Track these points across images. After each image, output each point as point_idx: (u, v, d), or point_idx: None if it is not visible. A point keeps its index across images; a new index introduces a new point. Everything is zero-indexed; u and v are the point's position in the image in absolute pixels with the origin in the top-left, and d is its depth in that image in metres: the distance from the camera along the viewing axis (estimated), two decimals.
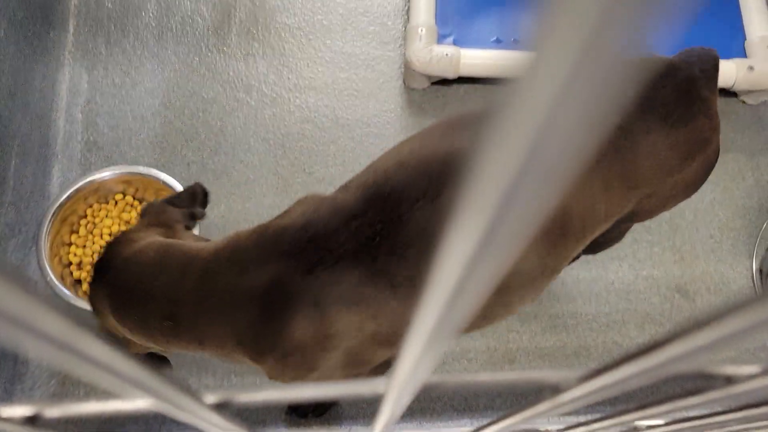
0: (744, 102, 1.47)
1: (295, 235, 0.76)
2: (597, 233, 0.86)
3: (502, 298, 0.83)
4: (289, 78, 1.48)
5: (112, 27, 1.49)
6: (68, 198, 1.24)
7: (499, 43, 1.46)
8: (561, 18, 0.09)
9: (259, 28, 1.52)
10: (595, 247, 1.18)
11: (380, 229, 0.75)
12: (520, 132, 0.11)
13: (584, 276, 1.35)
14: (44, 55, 1.38)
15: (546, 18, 0.09)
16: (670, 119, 0.82)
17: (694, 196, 1.40)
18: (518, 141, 0.11)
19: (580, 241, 0.83)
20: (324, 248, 0.75)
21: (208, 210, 0.99)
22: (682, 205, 1.40)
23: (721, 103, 1.48)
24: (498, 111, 0.11)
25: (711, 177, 1.42)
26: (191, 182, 1.37)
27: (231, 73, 1.48)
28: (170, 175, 1.29)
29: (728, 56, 1.37)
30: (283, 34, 1.51)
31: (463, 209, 0.13)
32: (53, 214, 1.22)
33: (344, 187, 0.82)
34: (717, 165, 1.42)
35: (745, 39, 1.39)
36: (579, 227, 0.82)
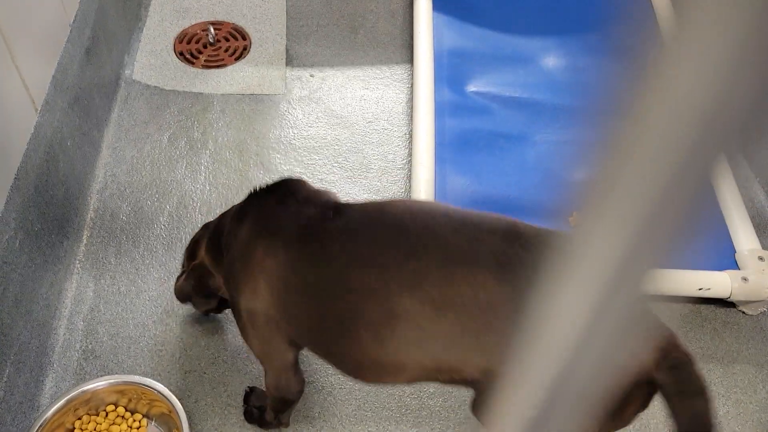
0: (744, 312, 1.48)
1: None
2: None
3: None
4: None
5: (124, 238, 1.55)
6: (57, 410, 1.20)
7: None
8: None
9: None
10: None
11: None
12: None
13: None
14: (55, 263, 1.42)
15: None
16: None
17: None
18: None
19: None
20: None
21: (199, 422, 0.97)
22: None
23: (721, 314, 1.49)
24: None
25: (720, 390, 1.38)
26: (188, 392, 1.33)
27: None
28: (166, 385, 1.26)
29: (721, 268, 1.40)
30: None
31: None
32: (39, 427, 1.17)
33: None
34: (725, 377, 1.40)
35: (734, 251, 1.44)
36: None
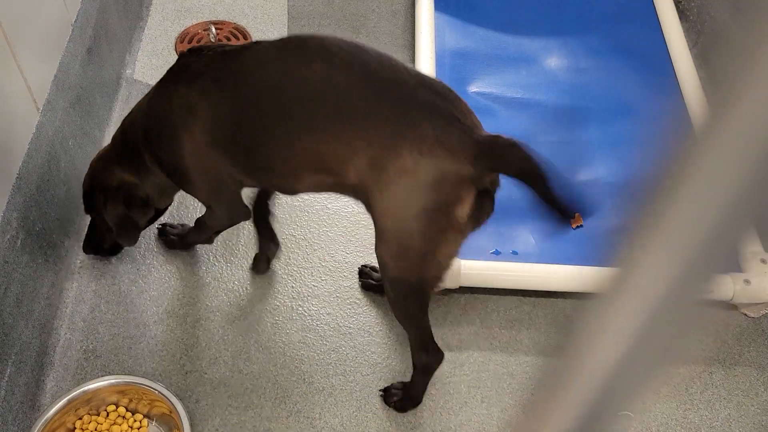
0: (746, 315, 1.47)
1: None
2: None
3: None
4: (292, 286, 1.51)
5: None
6: (58, 410, 1.20)
7: (497, 255, 1.50)
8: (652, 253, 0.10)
9: None
10: None
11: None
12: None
13: None
14: (56, 263, 1.42)
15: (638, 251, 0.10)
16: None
17: (708, 413, 1.35)
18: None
19: None
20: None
21: (200, 422, 0.98)
22: (697, 422, 1.34)
23: (723, 317, 1.49)
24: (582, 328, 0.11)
25: (722, 392, 1.38)
26: (188, 392, 1.33)
27: (236, 282, 1.50)
28: (167, 385, 1.26)
29: (724, 270, 1.40)
30: (289, 245, 1.57)
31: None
32: (40, 427, 1.17)
33: None
34: (727, 379, 1.39)
35: (738, 254, 1.44)
36: None
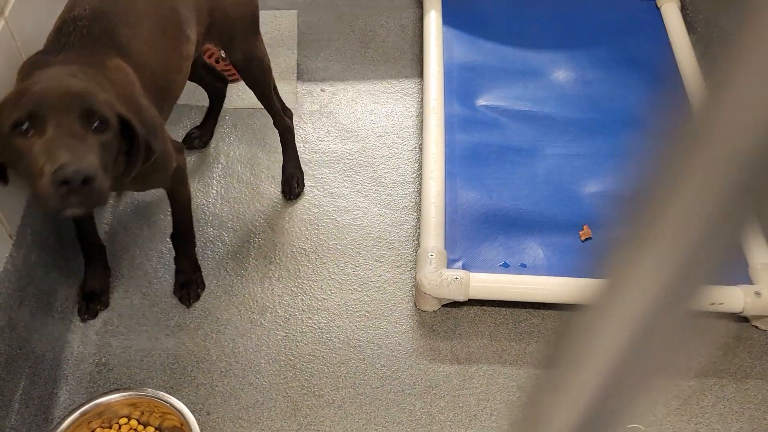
0: (757, 327, 1.47)
1: None
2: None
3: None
4: (302, 299, 1.52)
5: (137, 251, 1.56)
6: (71, 423, 1.21)
7: (506, 268, 1.51)
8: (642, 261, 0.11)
9: (277, 252, 1.59)
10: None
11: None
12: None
13: None
14: (70, 277, 1.43)
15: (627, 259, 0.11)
16: None
17: (720, 426, 1.34)
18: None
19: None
20: None
21: None
22: None
23: (734, 329, 1.48)
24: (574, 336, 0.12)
25: (734, 406, 1.38)
26: (199, 405, 1.34)
27: (247, 295, 1.51)
28: (178, 398, 1.27)
29: (734, 283, 1.40)
30: (299, 258, 1.58)
31: None
32: None
33: None
34: (739, 392, 1.39)
35: (747, 266, 1.43)
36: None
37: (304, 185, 1.69)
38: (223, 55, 1.99)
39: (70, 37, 1.09)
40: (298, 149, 1.74)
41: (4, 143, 0.95)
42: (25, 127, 0.92)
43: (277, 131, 1.67)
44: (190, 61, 1.29)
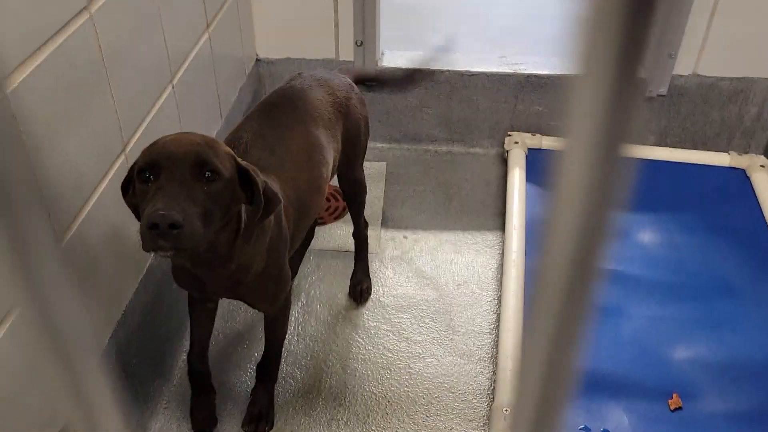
0: None
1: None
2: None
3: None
4: None
5: (213, 381, 1.58)
6: None
7: None
8: None
9: (347, 395, 1.56)
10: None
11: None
12: None
13: None
14: (144, 401, 1.45)
15: None
16: None
17: None
18: None
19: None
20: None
21: None
22: None
23: None
24: None
25: None
26: None
27: None
28: None
29: None
30: (369, 403, 1.54)
31: None
32: None
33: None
34: None
35: None
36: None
37: (371, 291, 1.79)
38: None
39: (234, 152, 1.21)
40: (377, 293, 1.76)
41: (133, 187, 1.06)
42: (146, 174, 1.01)
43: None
44: (328, 183, 1.43)
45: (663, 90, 2.15)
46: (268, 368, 1.48)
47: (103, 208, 1.24)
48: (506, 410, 1.39)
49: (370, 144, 1.71)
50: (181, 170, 1.00)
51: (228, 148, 1.09)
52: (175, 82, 1.54)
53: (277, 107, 1.39)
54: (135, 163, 1.05)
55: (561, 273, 0.29)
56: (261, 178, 1.11)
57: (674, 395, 1.47)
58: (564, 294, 0.30)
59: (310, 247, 1.90)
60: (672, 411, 1.45)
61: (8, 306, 0.95)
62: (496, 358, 1.58)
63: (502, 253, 1.87)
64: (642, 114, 0.25)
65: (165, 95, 1.49)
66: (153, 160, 1.01)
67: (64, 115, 1.10)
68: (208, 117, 1.78)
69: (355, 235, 1.79)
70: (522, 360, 0.32)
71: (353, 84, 1.58)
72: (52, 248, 0.30)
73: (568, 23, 0.23)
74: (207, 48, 1.73)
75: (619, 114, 0.24)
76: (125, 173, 1.11)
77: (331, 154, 1.43)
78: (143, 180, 1.02)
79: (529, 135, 2.22)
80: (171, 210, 0.95)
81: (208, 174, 1.02)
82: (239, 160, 1.09)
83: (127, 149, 1.32)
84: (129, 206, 1.11)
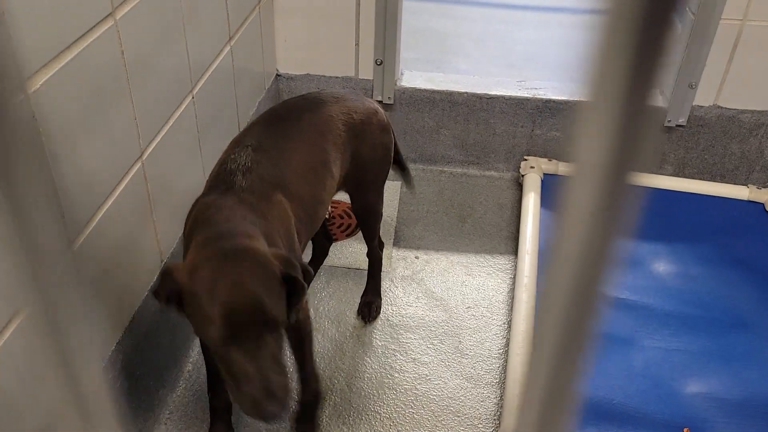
0: None
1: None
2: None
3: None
4: None
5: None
6: None
7: None
8: None
9: (351, 413, 1.54)
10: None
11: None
12: None
13: None
14: (147, 410, 1.44)
15: None
16: None
17: None
18: None
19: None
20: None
21: None
22: None
23: None
24: None
25: None
26: None
27: None
28: None
29: None
30: (373, 423, 1.52)
31: None
32: None
33: None
34: None
35: None
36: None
37: (380, 311, 1.78)
38: (327, 216, 2.10)
39: (236, 175, 1.20)
40: (386, 312, 1.74)
41: (194, 314, 1.05)
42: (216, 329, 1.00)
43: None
44: (332, 196, 1.43)
45: (683, 120, 2.13)
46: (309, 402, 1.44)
47: (116, 215, 1.24)
48: None
49: None
50: (255, 332, 1.01)
51: (273, 269, 1.04)
52: (195, 92, 1.55)
53: (285, 116, 1.38)
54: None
55: (563, 298, 0.28)
56: (301, 280, 1.08)
57: (685, 430, 1.44)
58: (566, 319, 0.29)
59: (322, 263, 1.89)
60: None
61: (17, 306, 0.95)
62: (504, 383, 1.55)
63: (514, 277, 1.85)
64: (652, 142, 0.24)
65: (184, 105, 1.50)
66: (230, 334, 0.99)
67: (83, 120, 1.11)
68: (225, 129, 1.79)
69: (368, 254, 1.77)
70: (523, 385, 0.31)
71: (379, 110, 1.52)
72: (64, 252, 0.29)
73: (581, 50, 0.23)
74: (228, 60, 1.75)
75: (627, 142, 0.24)
76: (142, 180, 1.11)
77: (337, 166, 1.41)
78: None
79: (545, 160, 2.21)
80: (280, 407, 1.02)
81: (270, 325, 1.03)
82: (282, 270, 1.06)
83: (144, 156, 1.32)
84: (162, 301, 1.09)
